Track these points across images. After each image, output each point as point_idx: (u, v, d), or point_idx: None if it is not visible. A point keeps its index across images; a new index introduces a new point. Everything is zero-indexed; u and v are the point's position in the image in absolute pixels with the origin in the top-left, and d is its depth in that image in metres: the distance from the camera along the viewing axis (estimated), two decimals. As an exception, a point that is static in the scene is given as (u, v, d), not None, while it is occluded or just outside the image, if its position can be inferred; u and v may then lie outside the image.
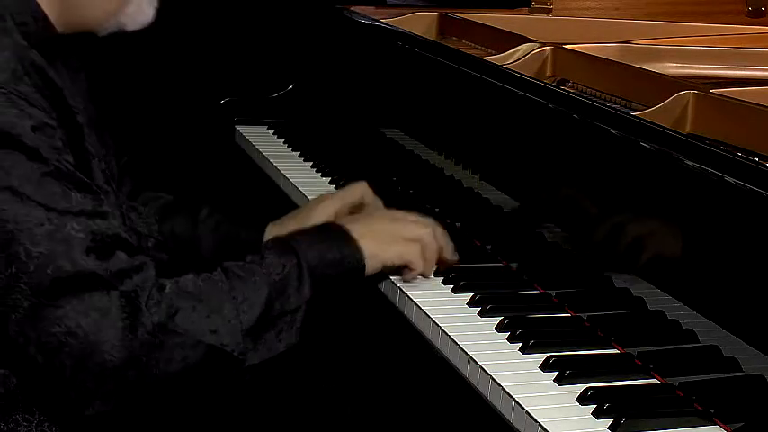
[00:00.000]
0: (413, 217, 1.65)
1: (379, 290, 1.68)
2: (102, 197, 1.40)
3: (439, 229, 1.64)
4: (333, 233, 1.55)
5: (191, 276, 1.41)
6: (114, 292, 1.33)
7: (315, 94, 2.62)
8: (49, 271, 1.30)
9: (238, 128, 2.55)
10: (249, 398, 1.63)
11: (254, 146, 2.42)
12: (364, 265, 1.54)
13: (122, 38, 1.55)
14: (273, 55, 2.93)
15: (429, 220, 1.65)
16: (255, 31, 3.10)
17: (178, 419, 1.58)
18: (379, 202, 1.77)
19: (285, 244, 1.51)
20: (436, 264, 1.65)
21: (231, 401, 1.62)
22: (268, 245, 1.52)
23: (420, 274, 1.62)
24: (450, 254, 1.65)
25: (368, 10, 2.52)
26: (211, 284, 1.41)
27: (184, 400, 1.52)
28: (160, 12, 1.56)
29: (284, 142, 2.43)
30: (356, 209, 1.74)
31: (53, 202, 1.32)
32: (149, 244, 1.71)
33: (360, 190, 1.76)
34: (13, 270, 1.30)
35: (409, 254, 1.59)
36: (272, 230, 1.72)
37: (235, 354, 1.39)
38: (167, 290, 1.37)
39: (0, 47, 1.36)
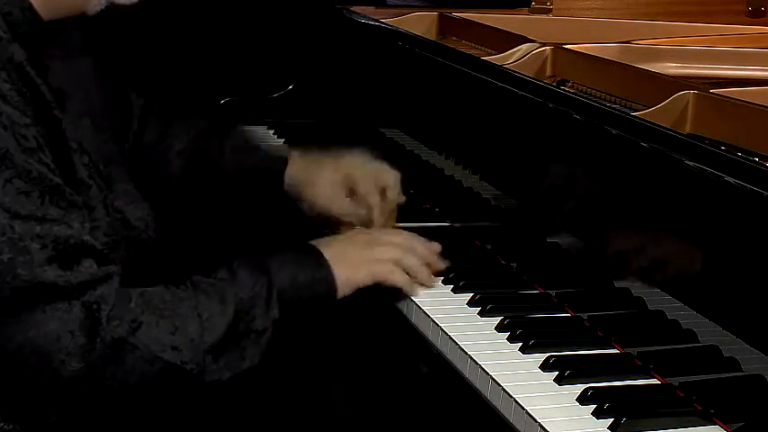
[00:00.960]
0: (388, 237, 1.64)
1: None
2: (77, 198, 1.38)
3: (419, 245, 1.63)
4: (306, 256, 1.54)
5: (159, 289, 1.40)
6: (76, 302, 1.31)
7: (315, 94, 2.62)
8: (8, 280, 1.28)
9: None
10: (247, 397, 1.63)
11: (254, 146, 2.42)
12: (336, 289, 1.53)
13: (122, 37, 1.54)
14: (273, 55, 2.93)
15: (404, 238, 1.64)
16: (255, 31, 3.10)
17: (175, 420, 1.58)
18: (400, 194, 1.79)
19: (258, 263, 1.50)
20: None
21: (229, 401, 1.62)
22: (241, 262, 1.49)
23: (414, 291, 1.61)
24: (436, 264, 1.64)
25: (368, 10, 2.52)
26: (178, 300, 1.40)
27: (179, 400, 1.53)
28: (160, 12, 1.56)
29: (284, 142, 2.43)
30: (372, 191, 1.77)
31: (18, 207, 1.29)
32: (143, 226, 1.69)
33: (391, 177, 1.79)
34: None
35: (383, 274, 1.58)
36: (294, 161, 1.80)
37: (194, 372, 1.38)
38: (132, 303, 1.36)
39: None
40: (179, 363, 1.37)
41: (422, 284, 1.62)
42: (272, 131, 2.52)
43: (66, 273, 1.31)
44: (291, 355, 1.79)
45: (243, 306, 1.43)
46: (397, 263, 1.59)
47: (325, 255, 1.53)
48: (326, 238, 1.62)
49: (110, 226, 1.49)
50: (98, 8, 1.49)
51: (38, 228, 1.30)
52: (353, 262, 1.56)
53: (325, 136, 2.44)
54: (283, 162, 1.81)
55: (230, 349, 1.42)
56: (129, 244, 1.55)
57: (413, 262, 1.61)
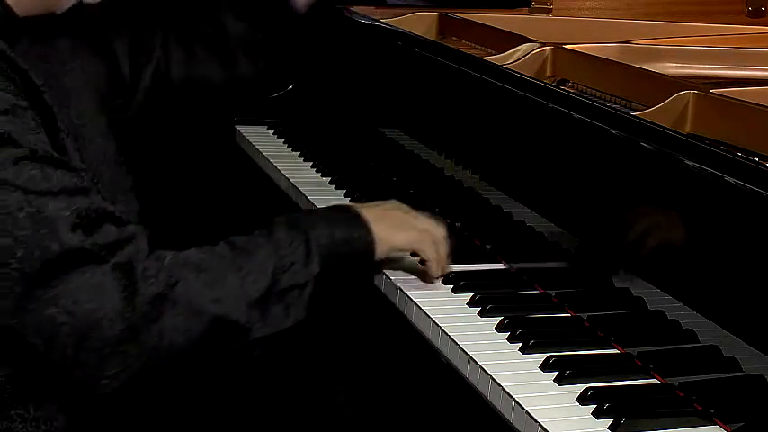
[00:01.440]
0: (422, 213, 1.64)
1: (379, 289, 1.68)
2: (83, 174, 1.39)
3: (446, 234, 1.63)
4: (344, 214, 1.54)
5: (192, 249, 1.39)
6: (106, 265, 1.31)
7: (315, 94, 2.62)
8: (36, 254, 1.28)
9: (238, 128, 2.55)
10: (247, 397, 1.63)
11: (254, 146, 2.42)
12: (374, 248, 1.52)
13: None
14: (273, 55, 2.92)
15: (441, 222, 1.65)
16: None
17: (178, 419, 1.58)
18: None
19: (295, 220, 1.49)
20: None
21: (230, 401, 1.62)
22: (278, 221, 1.49)
23: (430, 275, 1.61)
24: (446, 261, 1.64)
25: (368, 10, 2.52)
26: (214, 256, 1.39)
27: (188, 389, 1.52)
28: (160, 12, 1.56)
29: (284, 142, 2.43)
30: None
31: (32, 184, 1.30)
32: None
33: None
34: (1, 258, 1.29)
35: (420, 242, 1.59)
36: None
37: (241, 323, 1.37)
38: (167, 261, 1.35)
39: None
40: (224, 315, 1.35)
41: (439, 271, 1.62)
42: (272, 131, 2.52)
43: (92, 237, 1.31)
44: (292, 356, 1.79)
45: (282, 261, 1.42)
46: (433, 237, 1.60)
47: (363, 215, 1.53)
48: (366, 204, 1.63)
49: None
50: (66, 6, 1.50)
51: (55, 200, 1.31)
52: (393, 222, 1.57)
53: (325, 136, 2.45)
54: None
55: (273, 303, 1.40)
56: None
57: (445, 244, 1.61)
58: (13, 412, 1.40)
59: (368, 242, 1.52)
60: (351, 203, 1.60)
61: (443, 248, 1.61)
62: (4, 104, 1.32)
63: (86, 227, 1.32)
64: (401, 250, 1.59)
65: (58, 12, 1.51)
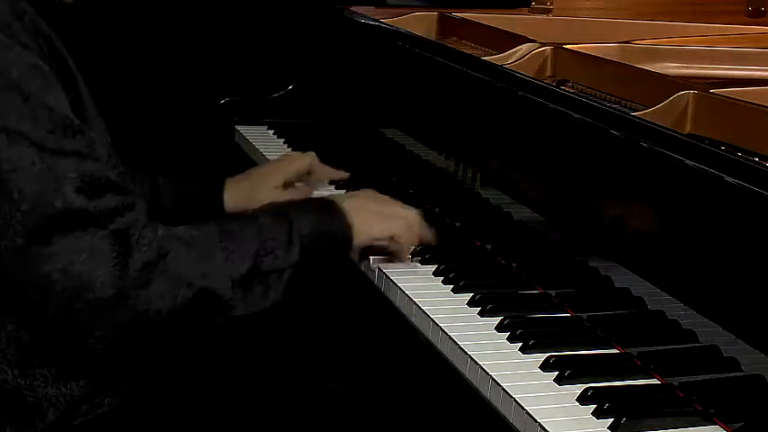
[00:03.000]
0: (397, 201, 1.73)
1: (379, 289, 1.69)
2: (96, 143, 1.43)
3: (419, 214, 1.72)
4: (325, 206, 1.62)
5: (183, 227, 1.46)
6: (105, 230, 1.36)
7: (315, 94, 2.62)
8: (40, 210, 1.33)
9: (238, 128, 2.55)
10: (249, 396, 1.64)
11: (254, 146, 2.42)
12: (352, 239, 1.61)
13: (122, 38, 1.55)
14: (273, 55, 2.93)
15: (411, 208, 1.73)
16: (255, 31, 3.10)
17: (176, 419, 1.58)
18: (326, 168, 1.98)
19: (278, 210, 1.58)
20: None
21: (229, 401, 1.62)
22: (262, 210, 1.60)
23: (402, 257, 1.71)
24: (430, 238, 1.74)
25: (368, 10, 2.52)
26: (203, 234, 1.46)
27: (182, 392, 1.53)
28: (160, 12, 1.57)
29: (284, 142, 2.44)
30: (305, 176, 1.94)
31: (46, 141, 1.35)
32: None
33: (308, 160, 1.94)
34: (7, 209, 1.34)
35: (395, 230, 1.67)
36: (229, 186, 1.87)
37: (225, 298, 1.44)
38: (159, 232, 1.41)
39: None
40: (210, 288, 1.42)
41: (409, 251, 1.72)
42: (272, 131, 2.52)
43: (94, 201, 1.37)
44: (292, 356, 1.79)
45: (265, 246, 1.49)
46: (408, 223, 1.69)
47: (342, 207, 1.61)
48: (343, 195, 1.77)
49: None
50: None
51: (65, 161, 1.36)
52: (370, 215, 1.65)
53: (325, 136, 2.45)
54: (219, 188, 1.88)
55: (255, 284, 1.47)
56: None
57: (417, 229, 1.71)
58: (36, 371, 1.45)
59: (346, 234, 1.60)
60: (331, 196, 1.70)
61: (417, 233, 1.70)
62: (31, 62, 1.37)
63: (90, 191, 1.37)
64: (378, 239, 1.67)
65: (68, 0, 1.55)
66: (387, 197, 1.72)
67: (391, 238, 1.68)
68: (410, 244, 1.71)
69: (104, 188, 1.38)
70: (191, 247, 1.42)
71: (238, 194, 1.87)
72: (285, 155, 2.12)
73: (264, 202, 1.76)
